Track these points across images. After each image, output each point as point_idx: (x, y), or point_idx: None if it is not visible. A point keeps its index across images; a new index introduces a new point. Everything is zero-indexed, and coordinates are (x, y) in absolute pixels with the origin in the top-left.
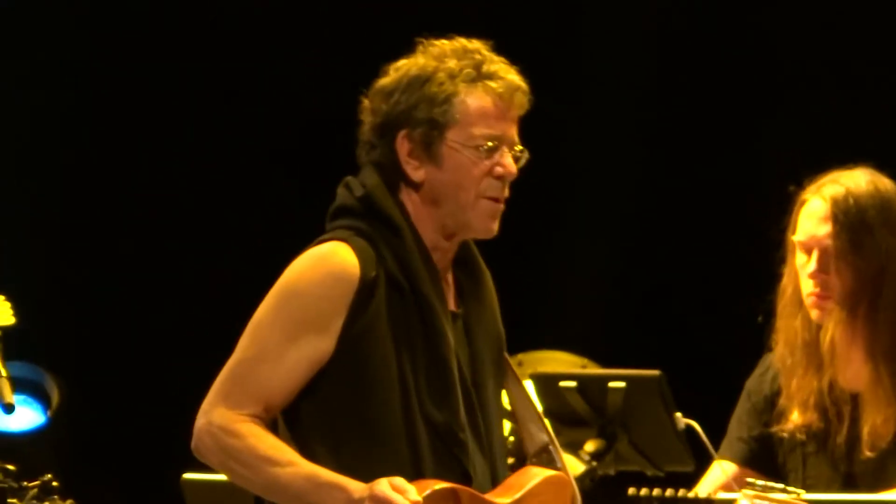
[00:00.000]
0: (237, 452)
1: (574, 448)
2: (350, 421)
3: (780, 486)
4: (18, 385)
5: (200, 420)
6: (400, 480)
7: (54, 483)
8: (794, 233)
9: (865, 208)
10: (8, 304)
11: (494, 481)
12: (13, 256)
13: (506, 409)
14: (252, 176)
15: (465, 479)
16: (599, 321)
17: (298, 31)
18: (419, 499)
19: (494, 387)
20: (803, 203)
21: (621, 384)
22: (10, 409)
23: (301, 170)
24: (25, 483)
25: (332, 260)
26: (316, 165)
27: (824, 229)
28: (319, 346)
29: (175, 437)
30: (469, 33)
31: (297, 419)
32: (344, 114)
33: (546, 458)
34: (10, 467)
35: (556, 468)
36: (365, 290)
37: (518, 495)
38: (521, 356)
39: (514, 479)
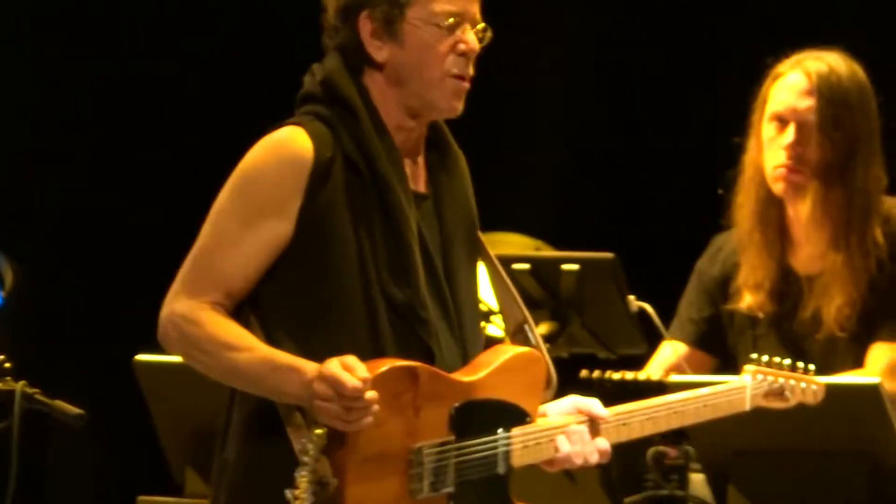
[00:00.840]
0: (197, 340)
1: None
2: (309, 302)
3: (787, 361)
4: None
5: (164, 310)
6: (351, 359)
7: (7, 364)
8: (765, 105)
9: (847, 87)
10: None
11: (465, 360)
12: None
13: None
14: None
15: (429, 357)
16: (553, 203)
17: None
18: (368, 376)
19: (467, 266)
20: (779, 76)
21: (574, 267)
22: None
23: None
24: None
25: (285, 144)
26: None
27: (806, 102)
28: (277, 229)
29: (128, 318)
30: None
31: (259, 304)
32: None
33: (521, 337)
34: None
35: (531, 346)
36: (320, 172)
37: (484, 372)
38: None
39: (483, 356)
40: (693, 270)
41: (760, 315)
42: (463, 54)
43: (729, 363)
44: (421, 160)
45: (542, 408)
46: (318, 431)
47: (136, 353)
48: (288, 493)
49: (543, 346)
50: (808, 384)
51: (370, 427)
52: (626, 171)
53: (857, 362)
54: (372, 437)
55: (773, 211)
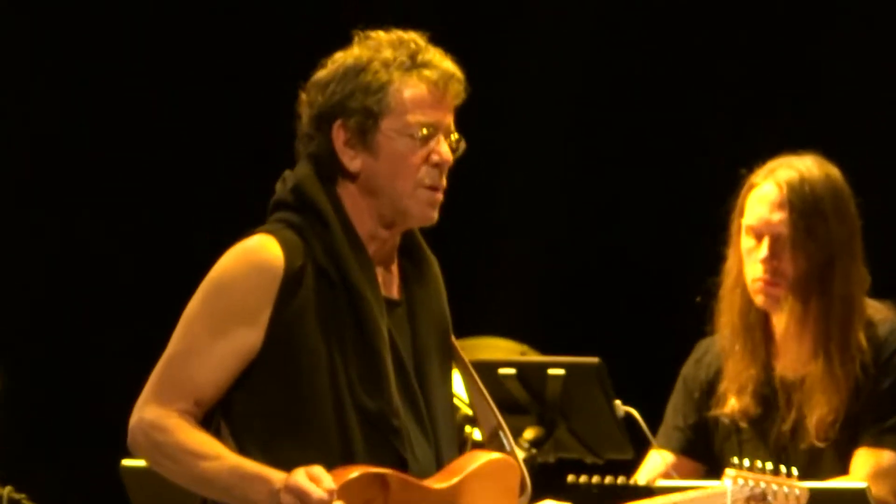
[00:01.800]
0: (165, 448)
1: (513, 436)
2: (280, 413)
3: (770, 466)
4: None
5: (133, 417)
6: (318, 469)
7: None
8: (742, 216)
9: (820, 195)
10: None
11: (440, 467)
12: None
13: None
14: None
15: (402, 466)
16: (537, 307)
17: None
18: (334, 487)
19: (441, 373)
20: (753, 187)
21: (560, 371)
22: None
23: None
24: None
25: (256, 253)
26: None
27: (778, 215)
28: (247, 338)
29: (116, 424)
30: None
31: (230, 414)
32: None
33: (496, 443)
34: None
35: (505, 452)
36: (291, 281)
37: (457, 479)
38: (459, 343)
39: (457, 463)
40: (678, 376)
41: (744, 422)
42: (436, 165)
43: (718, 469)
44: (394, 267)
45: None
46: None
47: (123, 458)
48: None
49: (517, 452)
50: (790, 489)
51: None
52: (610, 274)
53: (842, 469)
54: None
55: (755, 318)
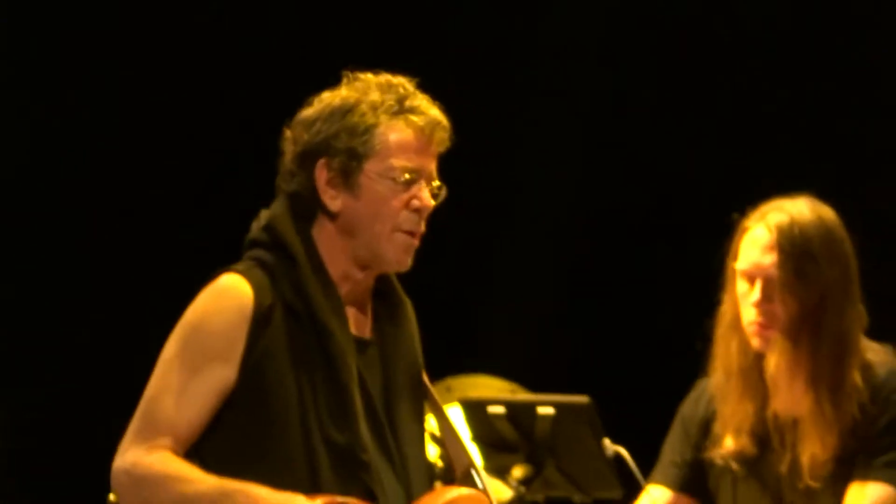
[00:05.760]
0: (148, 480)
1: (502, 474)
2: (251, 447)
3: None
4: None
5: (116, 461)
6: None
7: None
8: (735, 260)
9: (810, 237)
10: None
11: (410, 501)
12: None
13: (434, 434)
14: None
15: (371, 498)
16: (528, 346)
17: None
18: None
19: (411, 411)
20: (745, 231)
21: (550, 410)
22: None
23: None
24: None
25: (226, 292)
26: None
27: (769, 258)
28: (222, 375)
29: (104, 459)
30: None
31: (204, 450)
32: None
33: (470, 482)
34: None
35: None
36: (260, 320)
37: None
38: (449, 381)
39: (427, 498)
40: (676, 413)
41: (740, 462)
42: (416, 210)
43: None
44: (368, 308)
45: None
46: None
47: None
48: None
49: (490, 491)
50: None
51: None
52: (603, 313)
53: None
54: None
55: (751, 360)
